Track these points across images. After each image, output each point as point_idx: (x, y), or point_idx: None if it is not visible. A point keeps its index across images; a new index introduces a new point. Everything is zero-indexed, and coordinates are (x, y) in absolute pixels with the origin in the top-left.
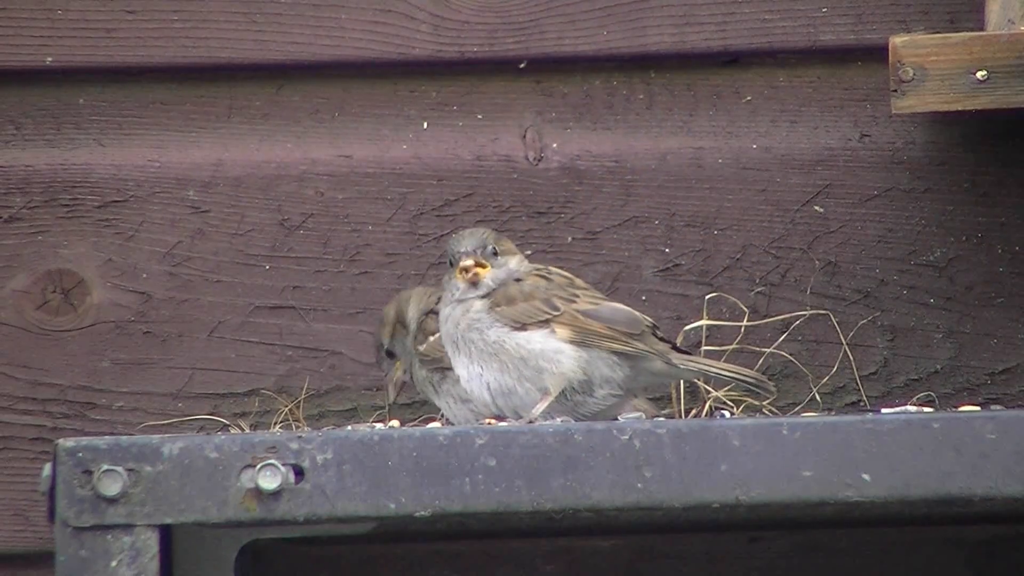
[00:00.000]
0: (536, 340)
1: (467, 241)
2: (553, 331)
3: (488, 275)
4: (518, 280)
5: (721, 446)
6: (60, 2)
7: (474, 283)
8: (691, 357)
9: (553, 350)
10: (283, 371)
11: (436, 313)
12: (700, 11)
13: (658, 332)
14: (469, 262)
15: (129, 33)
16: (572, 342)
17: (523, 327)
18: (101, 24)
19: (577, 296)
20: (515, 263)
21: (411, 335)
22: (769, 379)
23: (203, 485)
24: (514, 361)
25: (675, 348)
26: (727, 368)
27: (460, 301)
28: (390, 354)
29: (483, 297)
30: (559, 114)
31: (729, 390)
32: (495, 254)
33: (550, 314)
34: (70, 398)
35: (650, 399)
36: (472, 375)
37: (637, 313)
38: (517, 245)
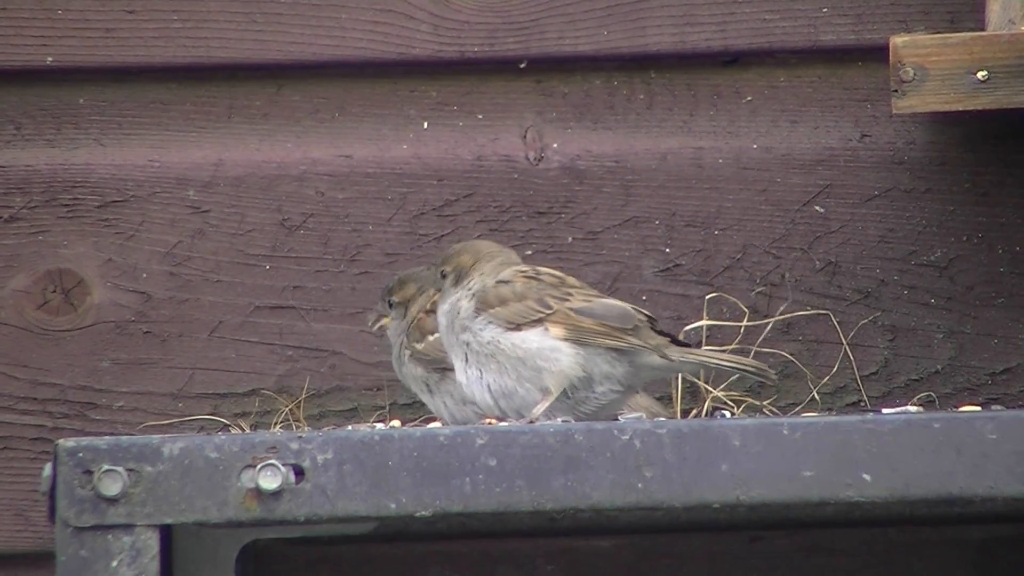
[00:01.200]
0: (532, 339)
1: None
2: (547, 329)
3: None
4: (507, 282)
5: (722, 446)
6: (60, 2)
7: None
8: (689, 350)
9: (550, 348)
10: (283, 371)
11: (434, 312)
12: (700, 11)
13: (656, 326)
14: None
15: (129, 33)
16: (567, 340)
17: (517, 327)
18: (101, 24)
19: (570, 294)
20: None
21: (405, 323)
22: None
23: (203, 485)
24: (512, 361)
25: (675, 342)
26: (726, 359)
27: (454, 302)
28: (391, 305)
29: (470, 298)
30: (559, 114)
31: (729, 389)
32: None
33: (543, 313)
34: (70, 398)
35: (657, 398)
36: (471, 378)
37: (630, 308)
38: (517, 246)
